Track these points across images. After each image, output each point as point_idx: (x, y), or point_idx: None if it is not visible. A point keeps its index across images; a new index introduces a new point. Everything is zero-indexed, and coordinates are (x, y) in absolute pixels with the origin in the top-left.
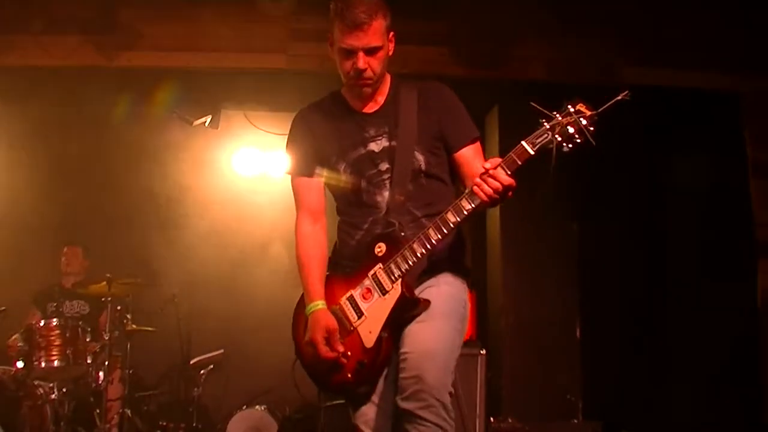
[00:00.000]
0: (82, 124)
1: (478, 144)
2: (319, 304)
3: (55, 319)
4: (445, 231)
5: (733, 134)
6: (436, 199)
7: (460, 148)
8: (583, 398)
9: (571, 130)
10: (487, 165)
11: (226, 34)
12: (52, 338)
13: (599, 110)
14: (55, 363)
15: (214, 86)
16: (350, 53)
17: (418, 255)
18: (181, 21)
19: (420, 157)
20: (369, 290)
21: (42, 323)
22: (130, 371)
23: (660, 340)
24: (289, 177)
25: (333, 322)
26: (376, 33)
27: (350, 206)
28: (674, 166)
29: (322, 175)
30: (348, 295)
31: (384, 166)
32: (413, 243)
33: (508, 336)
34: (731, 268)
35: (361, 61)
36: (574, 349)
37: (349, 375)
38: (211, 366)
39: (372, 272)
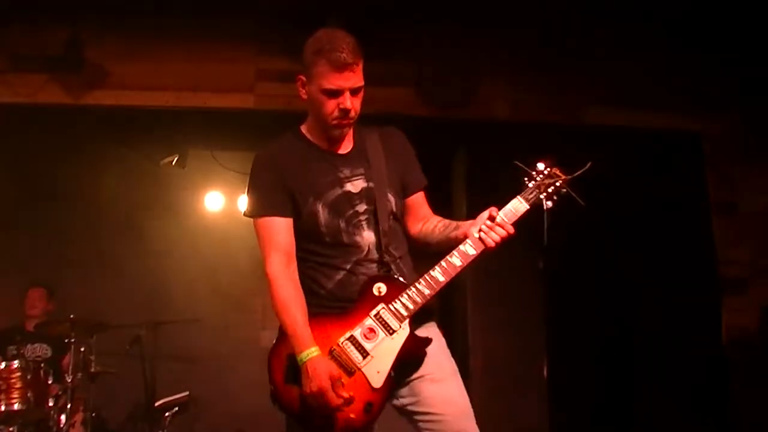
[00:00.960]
0: (48, 162)
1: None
2: (314, 350)
3: (16, 362)
4: (452, 274)
5: (696, 174)
6: (400, 240)
7: (414, 193)
8: None
9: (550, 190)
10: (494, 214)
11: (194, 74)
12: (13, 381)
13: (571, 176)
14: (16, 406)
15: (182, 125)
16: (335, 94)
17: (426, 295)
18: (148, 61)
19: (391, 199)
20: (372, 330)
21: (2, 365)
22: (93, 414)
23: (627, 378)
24: (253, 219)
25: (335, 367)
26: (360, 73)
27: (325, 247)
28: (638, 205)
29: (292, 215)
30: (347, 335)
31: (362, 207)
32: (418, 284)
33: (476, 376)
34: (697, 305)
35: (348, 101)
36: (542, 389)
37: (354, 416)
38: (176, 408)
39: (375, 312)
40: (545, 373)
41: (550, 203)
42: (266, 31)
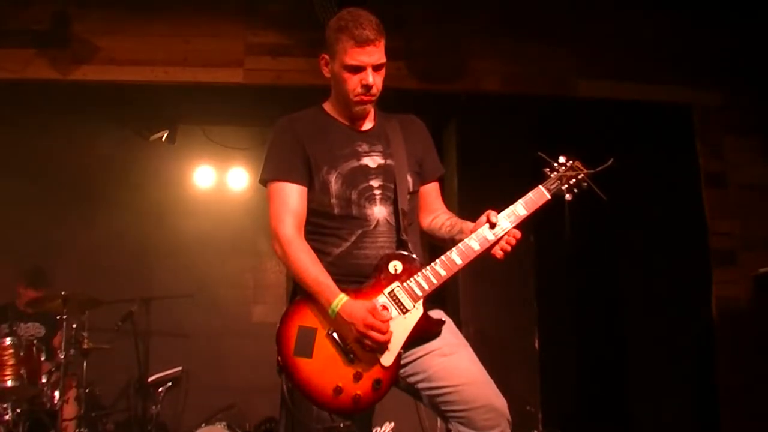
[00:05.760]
0: (38, 138)
1: (438, 183)
2: (343, 297)
3: (8, 339)
4: (470, 258)
5: (686, 146)
6: (415, 221)
7: (429, 182)
8: (542, 409)
9: (572, 182)
10: (493, 217)
11: (182, 49)
12: (6, 358)
13: (593, 171)
14: (9, 383)
15: (171, 101)
16: (358, 70)
17: (442, 277)
18: (136, 35)
19: (410, 179)
20: (385, 307)
21: None
22: (87, 390)
23: (617, 350)
24: (267, 183)
25: (368, 302)
26: (383, 50)
27: (333, 220)
28: (629, 177)
29: (306, 184)
30: None
31: (376, 182)
32: (436, 265)
33: None
34: (687, 277)
35: (371, 76)
36: (533, 360)
37: (361, 393)
38: (170, 383)
39: (389, 290)
40: (536, 345)
41: (569, 196)
42: (256, 6)
